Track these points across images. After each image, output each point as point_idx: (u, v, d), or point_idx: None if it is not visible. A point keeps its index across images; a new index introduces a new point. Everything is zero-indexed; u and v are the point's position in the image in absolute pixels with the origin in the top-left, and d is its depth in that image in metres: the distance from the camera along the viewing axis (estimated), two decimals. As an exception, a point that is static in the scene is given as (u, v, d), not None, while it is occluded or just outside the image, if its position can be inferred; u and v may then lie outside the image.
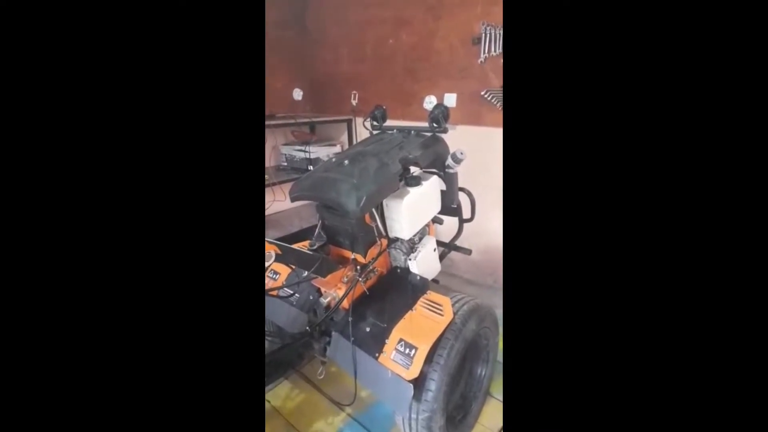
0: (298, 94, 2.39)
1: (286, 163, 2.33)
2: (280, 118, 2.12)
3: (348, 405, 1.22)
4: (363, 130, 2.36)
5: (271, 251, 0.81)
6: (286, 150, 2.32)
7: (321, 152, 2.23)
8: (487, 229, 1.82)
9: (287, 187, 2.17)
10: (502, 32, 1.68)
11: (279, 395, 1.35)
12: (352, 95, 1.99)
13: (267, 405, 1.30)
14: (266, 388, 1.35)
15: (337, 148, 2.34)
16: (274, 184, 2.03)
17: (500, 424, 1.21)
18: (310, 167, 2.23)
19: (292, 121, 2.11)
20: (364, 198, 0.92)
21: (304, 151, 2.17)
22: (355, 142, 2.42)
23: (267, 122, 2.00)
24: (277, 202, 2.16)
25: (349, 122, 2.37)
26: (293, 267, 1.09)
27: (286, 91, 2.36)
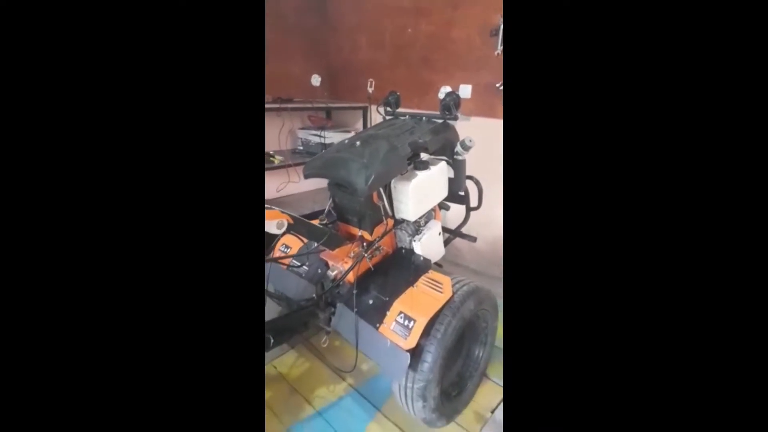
0: (316, 80, 2.44)
1: (301, 147, 2.40)
2: (297, 102, 2.18)
3: (348, 372, 1.29)
4: (378, 117, 2.40)
5: (284, 220, 0.87)
6: (302, 134, 2.38)
7: (336, 138, 2.28)
8: (494, 219, 1.84)
9: (302, 169, 2.24)
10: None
11: (285, 363, 1.43)
12: (369, 83, 2.02)
13: (273, 371, 1.39)
14: (273, 355, 1.43)
15: (351, 135, 2.39)
16: (289, 165, 2.09)
17: (494, 404, 1.26)
18: (325, 152, 2.29)
19: (310, 105, 2.16)
20: (373, 177, 0.97)
21: (320, 136, 2.23)
22: (369, 130, 2.46)
23: (284, 105, 2.06)
24: (291, 183, 2.24)
25: (364, 110, 2.41)
26: (304, 240, 1.15)
27: (304, 77, 2.41)
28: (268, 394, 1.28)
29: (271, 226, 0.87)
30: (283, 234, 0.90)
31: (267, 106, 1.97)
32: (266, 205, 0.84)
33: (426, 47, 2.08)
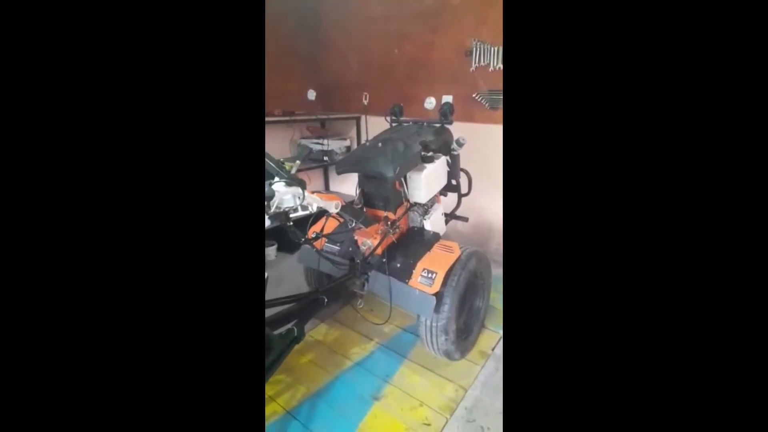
0: (311, 95, 2.75)
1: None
2: (300, 114, 2.47)
3: (383, 324, 1.59)
4: (371, 126, 2.72)
5: (339, 202, 1.17)
6: (303, 143, 2.66)
7: (335, 145, 2.59)
8: (476, 208, 2.21)
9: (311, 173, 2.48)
10: (490, 47, 2.09)
11: (320, 332, 1.69)
12: (364, 96, 2.35)
13: (311, 339, 1.65)
14: (307, 328, 1.69)
15: (347, 142, 2.71)
16: (302, 170, 2.37)
17: (493, 344, 1.60)
18: (326, 158, 2.59)
19: (313, 117, 2.46)
20: (399, 168, 1.29)
21: (321, 144, 2.53)
22: (363, 137, 2.79)
23: (294, 118, 2.34)
24: (299, 187, 2.51)
25: (357, 119, 2.74)
26: (341, 220, 1.44)
27: (301, 93, 2.71)
28: (311, 356, 1.55)
29: (331, 206, 1.16)
30: (336, 211, 1.20)
31: (278, 119, 2.25)
32: (327, 191, 1.13)
33: (410, 66, 2.45)
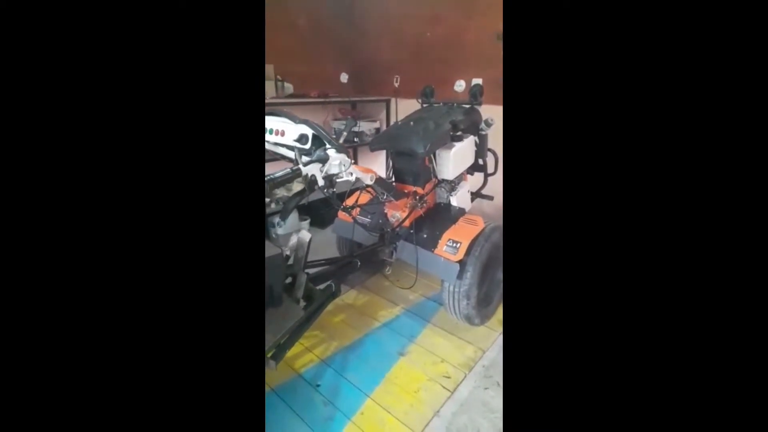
0: (344, 78, 2.86)
1: (335, 136, 2.81)
2: (333, 96, 2.59)
3: (409, 288, 1.73)
4: (401, 109, 2.82)
5: (373, 174, 1.30)
6: (336, 125, 2.79)
7: (364, 127, 2.71)
8: (501, 188, 2.29)
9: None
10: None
11: (350, 297, 1.85)
12: (395, 79, 2.44)
13: (341, 302, 1.81)
14: (343, 289, 1.85)
15: (377, 124, 2.82)
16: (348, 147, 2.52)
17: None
18: (356, 139, 2.71)
19: (347, 99, 2.58)
20: (429, 144, 1.39)
21: (354, 125, 2.66)
22: (393, 119, 2.89)
23: (323, 100, 2.47)
24: (331, 166, 2.66)
25: (387, 102, 2.83)
26: (373, 194, 1.57)
27: (336, 75, 2.83)
28: (342, 317, 1.71)
29: (367, 177, 1.29)
30: (371, 185, 1.32)
31: (314, 100, 2.39)
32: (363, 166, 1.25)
33: (442, 48, 2.51)
